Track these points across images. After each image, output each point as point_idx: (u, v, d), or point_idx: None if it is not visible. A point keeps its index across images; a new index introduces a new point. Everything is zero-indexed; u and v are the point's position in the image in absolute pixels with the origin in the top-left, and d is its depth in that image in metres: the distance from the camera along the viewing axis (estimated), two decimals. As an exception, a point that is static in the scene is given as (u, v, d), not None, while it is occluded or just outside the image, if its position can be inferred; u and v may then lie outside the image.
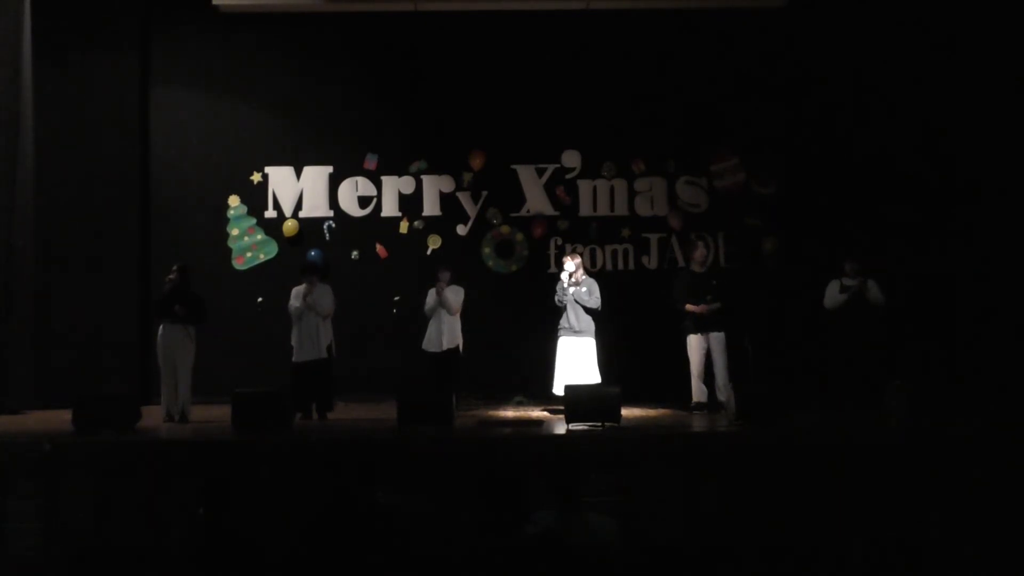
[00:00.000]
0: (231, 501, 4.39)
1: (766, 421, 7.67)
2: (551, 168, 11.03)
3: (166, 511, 6.42)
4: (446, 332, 9.30)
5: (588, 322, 9.10)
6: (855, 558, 4.18)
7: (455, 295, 9.35)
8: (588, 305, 9.07)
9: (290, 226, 10.88)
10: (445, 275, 9.38)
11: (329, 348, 9.08)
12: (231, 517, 4.34)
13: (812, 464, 6.85)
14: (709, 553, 4.01)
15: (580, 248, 10.58)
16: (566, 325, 9.11)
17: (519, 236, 10.97)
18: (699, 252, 9.53)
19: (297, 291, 9.05)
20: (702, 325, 9.16)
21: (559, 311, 9.18)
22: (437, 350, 9.32)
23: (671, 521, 6.58)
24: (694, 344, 9.21)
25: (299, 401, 8.79)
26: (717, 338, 9.15)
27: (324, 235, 10.93)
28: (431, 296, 9.34)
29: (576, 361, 9.00)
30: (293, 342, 9.04)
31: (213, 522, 4.28)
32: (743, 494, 6.69)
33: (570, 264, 9.24)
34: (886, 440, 7.33)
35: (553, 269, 10.85)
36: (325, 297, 9.05)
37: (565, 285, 9.11)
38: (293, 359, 9.00)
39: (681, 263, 10.80)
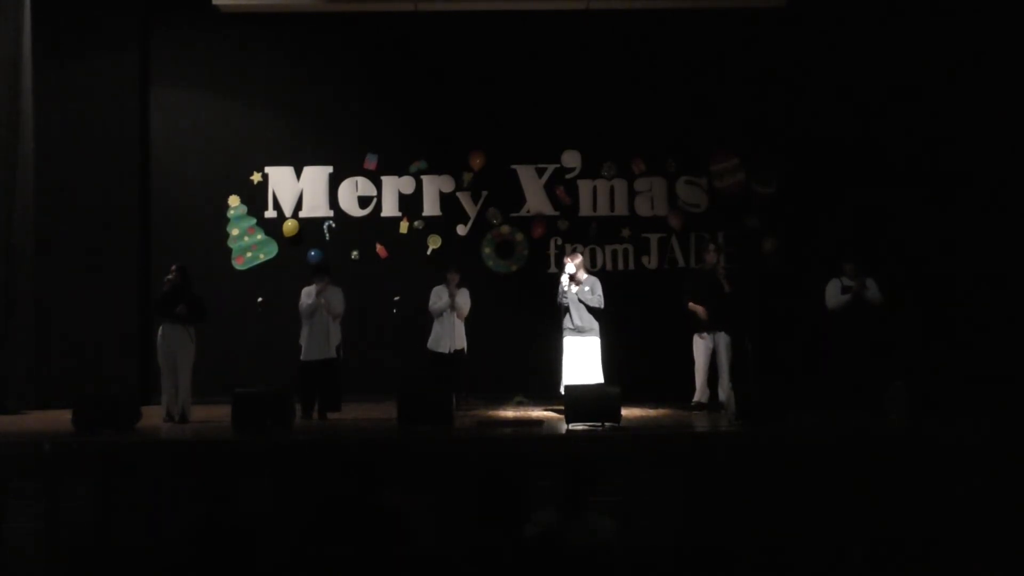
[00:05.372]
0: (231, 501, 4.39)
1: (766, 421, 7.68)
2: (551, 168, 11.02)
3: (166, 511, 6.41)
4: (456, 334, 9.30)
5: (591, 321, 9.12)
6: (855, 558, 4.18)
7: (464, 299, 9.37)
8: (592, 304, 9.09)
9: (290, 226, 10.88)
10: (455, 277, 9.39)
11: (338, 348, 9.09)
12: (231, 517, 4.34)
13: (812, 464, 6.85)
14: (708, 553, 4.02)
15: (580, 248, 10.51)
16: (569, 325, 9.12)
17: (519, 236, 10.96)
18: (709, 255, 9.52)
19: (308, 290, 9.06)
20: (709, 325, 9.17)
21: (561, 311, 9.19)
22: (445, 351, 9.32)
23: (671, 521, 6.57)
24: (700, 343, 9.22)
25: (304, 399, 8.83)
26: (724, 338, 9.16)
27: (324, 235, 10.93)
28: (440, 297, 9.33)
29: (580, 360, 9.02)
30: (302, 341, 9.05)
31: (213, 521, 4.28)
32: (743, 494, 6.69)
33: (570, 265, 9.24)
34: (886, 440, 7.33)
35: (553, 269, 10.85)
36: (337, 297, 9.09)
37: (565, 287, 9.13)
38: (301, 357, 9.01)
39: (681, 263, 10.86)
